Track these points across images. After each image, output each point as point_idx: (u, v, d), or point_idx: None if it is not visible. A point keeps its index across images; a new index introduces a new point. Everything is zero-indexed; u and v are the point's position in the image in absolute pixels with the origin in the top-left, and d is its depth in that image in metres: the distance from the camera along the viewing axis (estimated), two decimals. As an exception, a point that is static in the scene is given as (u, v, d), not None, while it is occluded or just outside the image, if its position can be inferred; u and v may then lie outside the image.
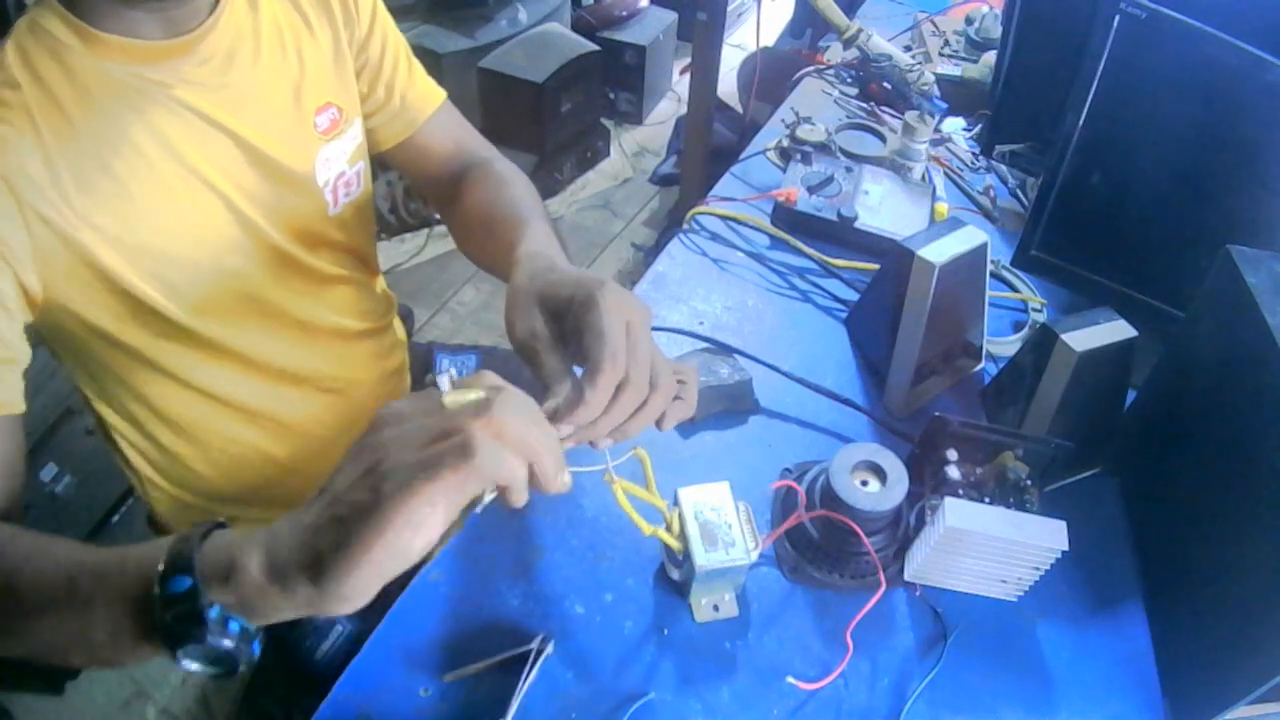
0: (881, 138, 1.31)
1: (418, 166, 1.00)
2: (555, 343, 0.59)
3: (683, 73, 3.10)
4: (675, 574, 0.75)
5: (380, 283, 1.07)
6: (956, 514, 0.72)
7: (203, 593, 0.45)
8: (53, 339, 0.78)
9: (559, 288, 0.60)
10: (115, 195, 0.71)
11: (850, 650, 0.72)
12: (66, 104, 0.68)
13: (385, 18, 0.91)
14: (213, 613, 0.45)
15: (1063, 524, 0.71)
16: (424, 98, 0.96)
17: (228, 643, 0.46)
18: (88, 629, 0.50)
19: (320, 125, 0.85)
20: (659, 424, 0.62)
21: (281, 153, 0.82)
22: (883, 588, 0.74)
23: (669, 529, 0.71)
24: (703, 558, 0.69)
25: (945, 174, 1.28)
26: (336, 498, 0.44)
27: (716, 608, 0.75)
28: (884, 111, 1.39)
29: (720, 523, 0.71)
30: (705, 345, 0.96)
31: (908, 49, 1.52)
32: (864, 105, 1.40)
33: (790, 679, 0.71)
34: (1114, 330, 0.82)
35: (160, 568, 0.46)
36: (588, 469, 0.64)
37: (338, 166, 0.89)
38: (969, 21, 1.56)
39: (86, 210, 0.69)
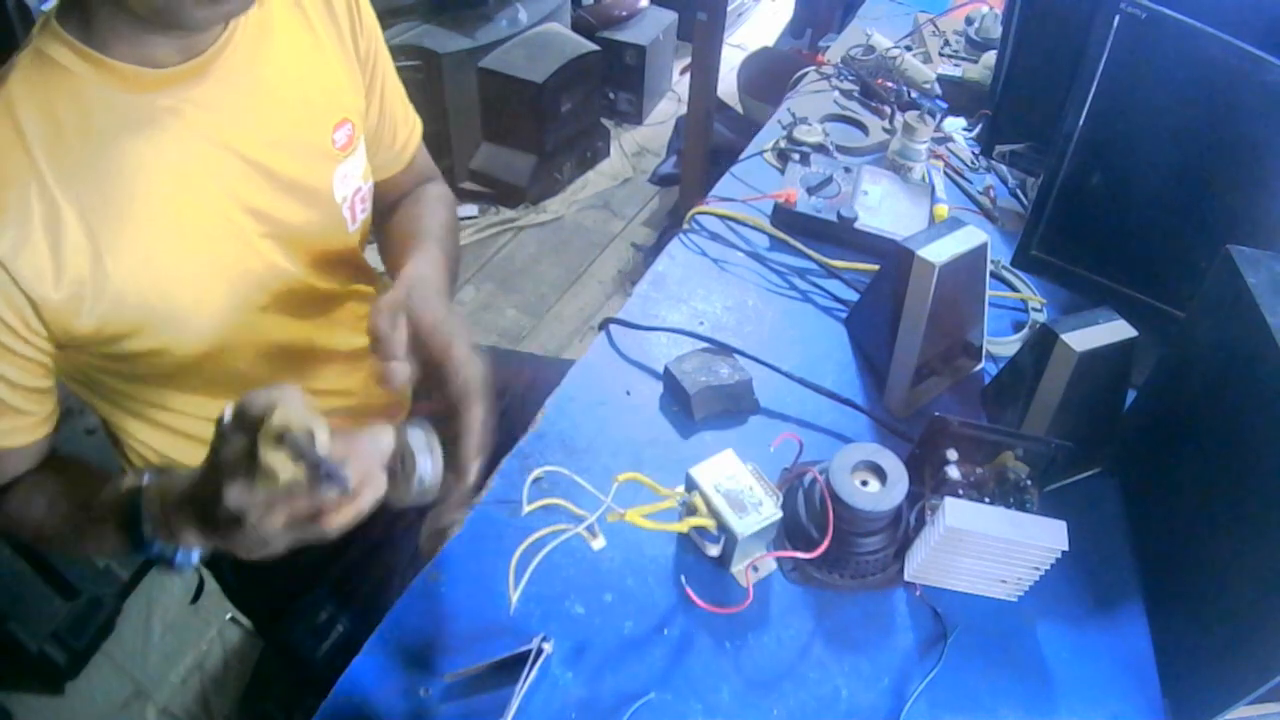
0: (863, 129, 1.32)
1: (387, 196, 1.01)
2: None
3: (683, 73, 3.10)
4: (713, 550, 0.76)
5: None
6: (956, 514, 0.72)
7: (166, 551, 0.64)
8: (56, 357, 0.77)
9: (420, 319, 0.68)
10: (129, 232, 0.69)
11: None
12: (75, 139, 0.66)
13: (386, 55, 0.91)
14: (178, 557, 0.65)
15: (1063, 524, 0.71)
16: (411, 134, 0.98)
17: (195, 562, 0.66)
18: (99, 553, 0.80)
19: (338, 142, 0.84)
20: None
21: (299, 171, 0.80)
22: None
23: (695, 512, 0.72)
24: (739, 525, 0.71)
25: (945, 174, 1.28)
26: (214, 517, 0.57)
27: (756, 568, 0.77)
28: (873, 104, 1.39)
29: (740, 488, 0.73)
30: (705, 345, 0.96)
31: (908, 49, 1.52)
32: (855, 99, 1.41)
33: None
34: (1114, 330, 0.82)
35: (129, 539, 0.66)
36: (593, 517, 0.73)
37: (354, 183, 0.88)
38: (969, 21, 1.56)
39: (97, 251, 0.68)
